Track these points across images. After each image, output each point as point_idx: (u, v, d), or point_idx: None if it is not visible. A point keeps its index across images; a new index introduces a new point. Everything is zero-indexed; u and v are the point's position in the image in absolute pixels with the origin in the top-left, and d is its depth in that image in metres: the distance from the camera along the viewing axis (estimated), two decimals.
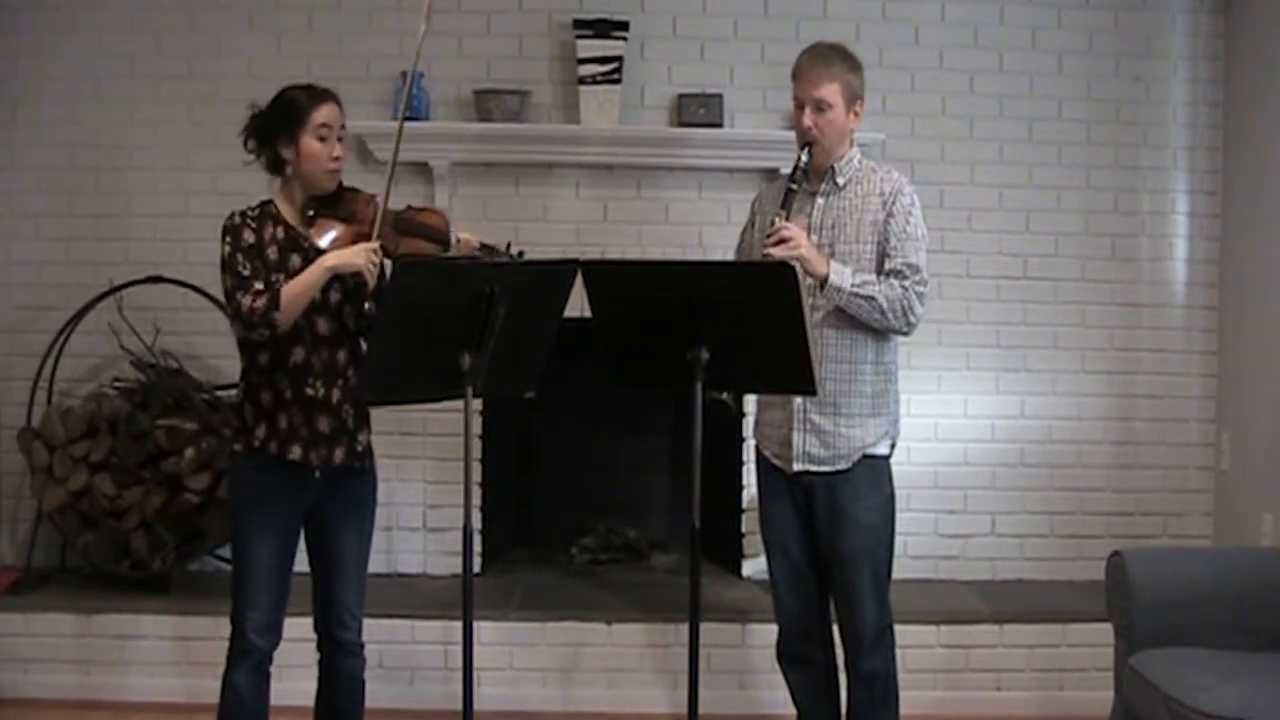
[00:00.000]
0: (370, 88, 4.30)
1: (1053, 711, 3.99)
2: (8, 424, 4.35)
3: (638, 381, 2.91)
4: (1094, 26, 4.46)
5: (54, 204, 4.44)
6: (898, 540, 3.18)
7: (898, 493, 3.15)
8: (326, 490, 2.94)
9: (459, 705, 2.80)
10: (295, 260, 2.87)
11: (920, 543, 4.40)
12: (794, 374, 2.66)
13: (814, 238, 3.04)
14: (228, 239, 2.84)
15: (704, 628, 2.82)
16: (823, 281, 2.94)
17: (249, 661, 2.90)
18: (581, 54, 4.26)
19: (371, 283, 2.83)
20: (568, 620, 4.01)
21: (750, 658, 3.93)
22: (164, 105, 4.41)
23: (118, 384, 4.24)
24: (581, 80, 4.27)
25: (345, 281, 2.89)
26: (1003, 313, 4.47)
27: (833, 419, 3.04)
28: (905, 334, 3.07)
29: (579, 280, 2.72)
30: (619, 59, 4.26)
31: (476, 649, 2.80)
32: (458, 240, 2.97)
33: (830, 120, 3.03)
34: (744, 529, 4.39)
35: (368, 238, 2.86)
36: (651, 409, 4.80)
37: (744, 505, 4.36)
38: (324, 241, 2.86)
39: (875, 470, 3.08)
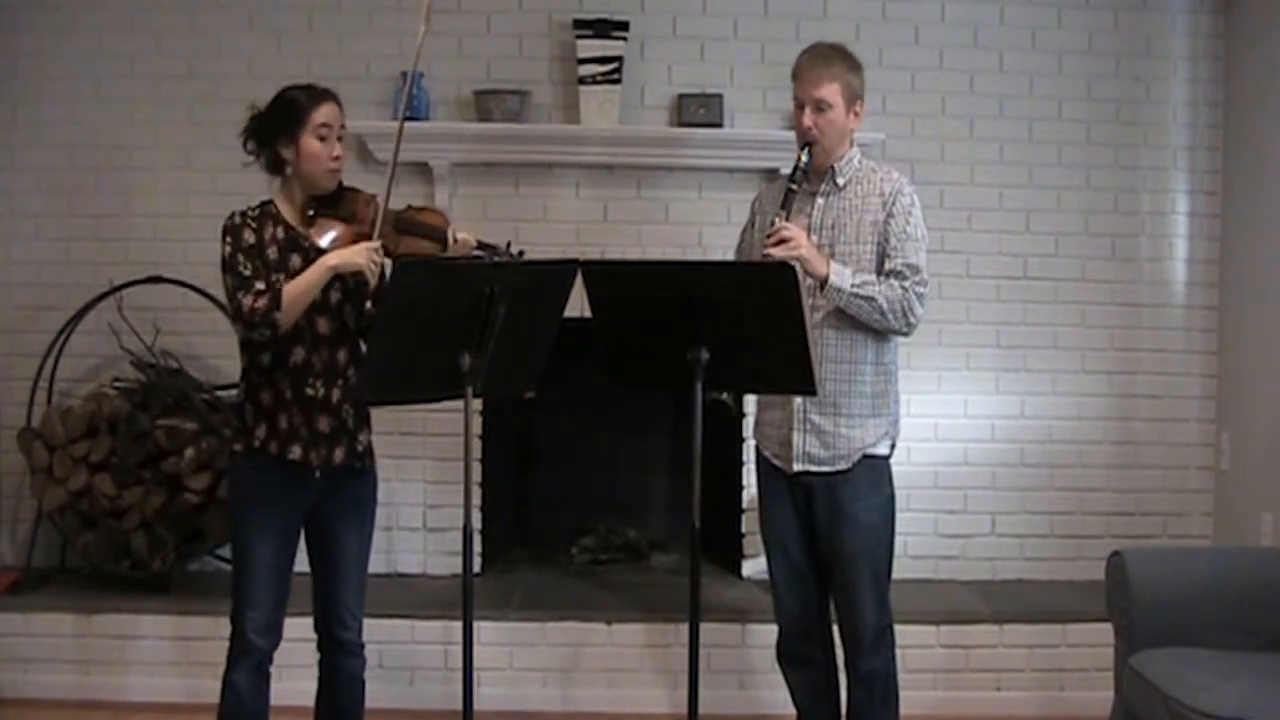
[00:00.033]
0: (370, 88, 4.30)
1: (1053, 711, 3.99)
2: (8, 424, 4.35)
3: (638, 381, 2.91)
4: (1094, 26, 4.46)
5: (54, 204, 4.44)
6: (898, 540, 3.18)
7: (898, 493, 3.15)
8: (327, 490, 2.94)
9: (459, 705, 2.80)
10: (295, 260, 2.87)
11: (920, 543, 4.40)
12: (794, 374, 2.66)
13: (814, 238, 3.04)
14: (228, 239, 2.85)
15: (704, 628, 2.82)
16: (823, 282, 2.94)
17: (249, 661, 2.90)
18: (581, 54, 4.26)
19: (373, 282, 2.83)
20: (568, 620, 4.01)
21: (750, 658, 3.93)
22: (164, 105, 4.41)
23: (118, 384, 4.24)
24: (581, 80, 4.27)
25: (345, 281, 2.89)
26: (1003, 313, 4.47)
27: (833, 419, 3.04)
28: (905, 334, 3.07)
29: (579, 280, 2.72)
30: (619, 59, 4.26)
31: (476, 649, 2.80)
32: (455, 240, 2.97)
33: (830, 120, 3.03)
34: (744, 529, 4.39)
35: (368, 237, 2.86)
36: (651, 409, 4.80)
37: (744, 505, 4.36)
38: (324, 241, 2.86)
39: (875, 470, 3.08)
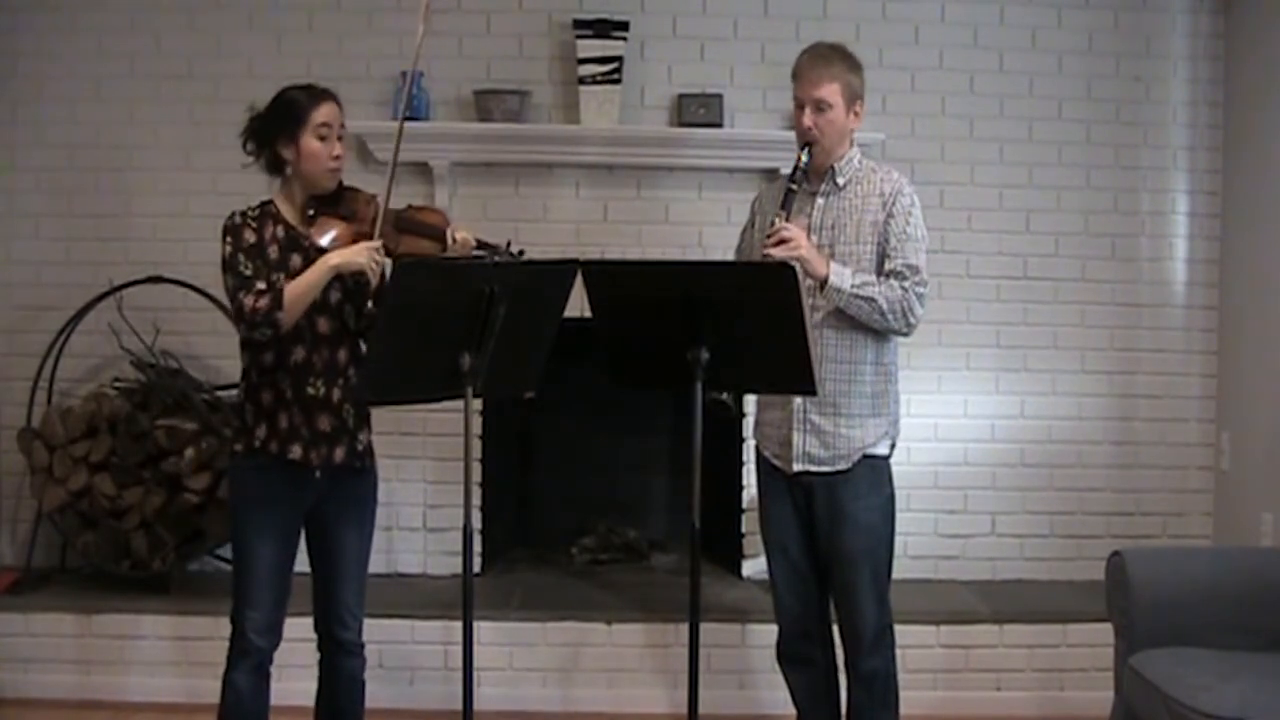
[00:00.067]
0: (370, 88, 4.30)
1: (1053, 711, 3.99)
2: (8, 424, 4.35)
3: (638, 381, 2.91)
4: (1094, 26, 4.46)
5: (54, 204, 4.44)
6: (898, 540, 3.18)
7: (898, 493, 3.15)
8: (327, 490, 2.94)
9: (459, 705, 2.80)
10: (296, 260, 2.87)
11: (920, 543, 4.40)
12: (794, 374, 2.66)
13: (814, 238, 3.04)
14: (228, 239, 2.85)
15: (704, 628, 2.82)
16: (823, 282, 2.94)
17: (249, 661, 2.90)
18: (581, 54, 4.26)
19: (374, 282, 2.83)
20: (568, 620, 4.01)
21: (750, 658, 3.93)
22: (164, 105, 4.41)
23: (118, 384, 4.23)
24: (581, 80, 4.27)
25: (345, 281, 2.89)
26: (1003, 313, 4.47)
27: (832, 419, 3.04)
28: (905, 335, 3.07)
29: (579, 280, 2.72)
30: (619, 59, 4.26)
31: (476, 649, 2.80)
32: (455, 239, 2.96)
33: (830, 120, 3.03)
34: (744, 529, 4.39)
35: (368, 236, 2.86)
36: (651, 409, 4.80)
37: (744, 505, 4.36)
38: (324, 240, 2.85)
39: (875, 470, 3.08)
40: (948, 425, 4.46)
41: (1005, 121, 4.45)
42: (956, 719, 3.94)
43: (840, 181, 3.09)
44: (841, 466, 3.05)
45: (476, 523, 4.16)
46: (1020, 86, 4.45)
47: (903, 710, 3.17)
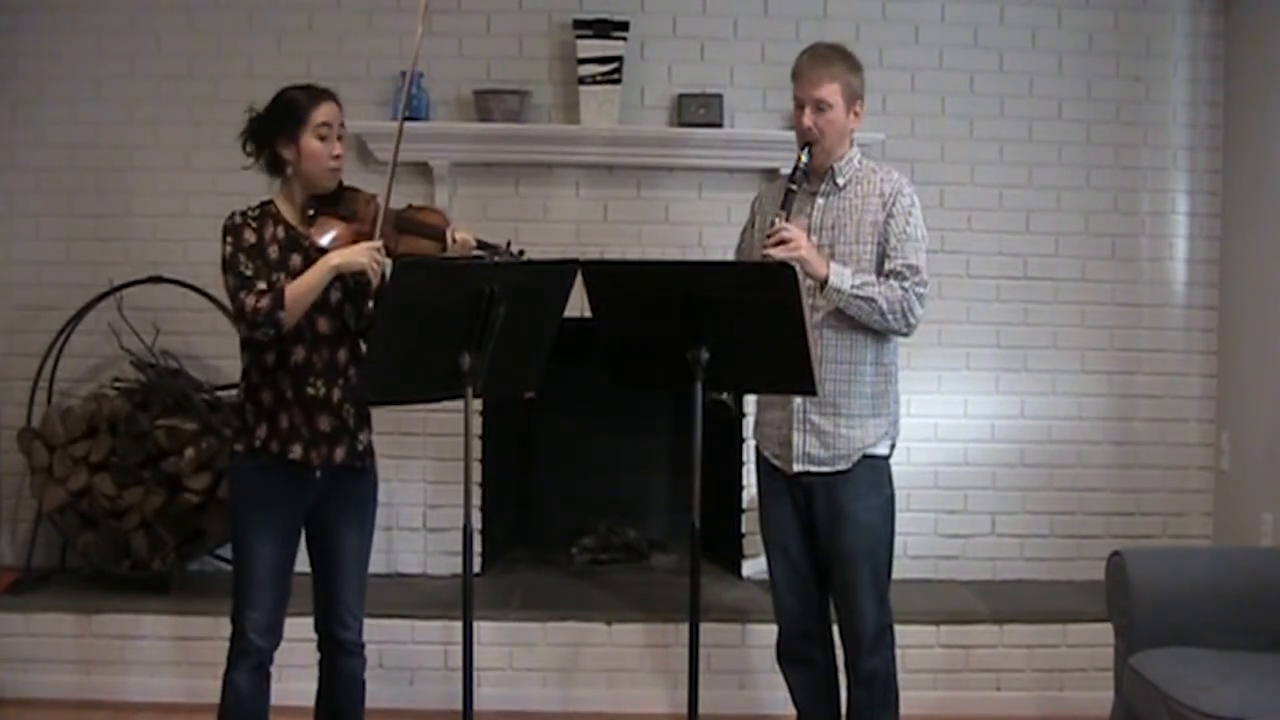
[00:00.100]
0: (370, 88, 4.30)
1: (1053, 711, 3.99)
2: (8, 424, 4.35)
3: (638, 381, 2.91)
4: (1094, 26, 4.46)
5: (54, 204, 4.44)
6: (898, 540, 3.18)
7: (898, 493, 3.15)
8: (327, 490, 2.94)
9: (459, 705, 2.80)
10: (296, 259, 2.87)
11: (920, 543, 4.40)
12: (794, 374, 2.65)
13: (814, 238, 3.04)
14: (229, 239, 2.85)
15: (704, 628, 2.82)
16: (823, 283, 2.94)
17: (249, 661, 2.90)
18: (581, 54, 4.26)
19: (375, 282, 2.83)
20: (568, 620, 4.01)
21: (750, 658, 3.93)
22: (164, 105, 4.41)
23: (118, 384, 4.23)
24: (581, 80, 4.27)
25: (346, 280, 2.89)
26: (1003, 313, 4.47)
27: (832, 419, 3.04)
28: (905, 335, 3.07)
29: (579, 280, 2.72)
30: (619, 59, 4.26)
31: (476, 649, 2.80)
32: (455, 239, 2.96)
33: (830, 120, 3.03)
34: (744, 529, 4.39)
35: (368, 236, 2.86)
36: (651, 409, 4.80)
37: (744, 505, 4.36)
38: (324, 240, 2.86)
39: (875, 470, 3.08)
40: (948, 425, 4.46)
41: (1005, 121, 4.45)
42: (956, 719, 3.94)
43: (840, 181, 3.09)
44: (841, 467, 3.05)
45: (476, 523, 4.16)
46: (1020, 86, 4.45)
47: (903, 710, 3.17)
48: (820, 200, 3.10)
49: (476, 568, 4.20)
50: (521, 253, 3.02)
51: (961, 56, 4.44)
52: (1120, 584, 3.20)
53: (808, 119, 3.03)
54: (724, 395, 2.89)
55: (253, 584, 2.88)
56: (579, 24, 4.27)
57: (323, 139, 2.86)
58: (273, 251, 2.86)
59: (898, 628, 3.16)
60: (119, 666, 3.98)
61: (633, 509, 4.87)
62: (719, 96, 4.33)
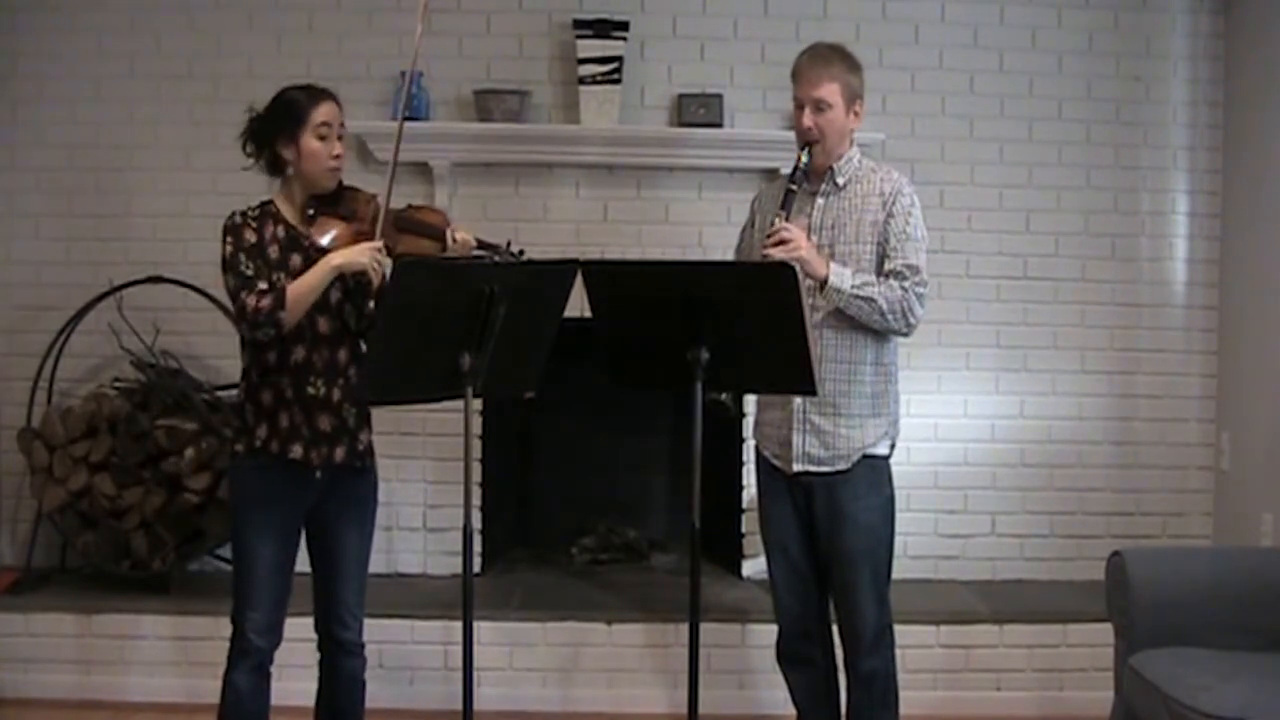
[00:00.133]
0: (370, 88, 4.30)
1: (1053, 711, 3.99)
2: (8, 424, 4.35)
3: (638, 381, 2.91)
4: (1094, 26, 4.46)
5: (54, 204, 4.44)
6: (898, 540, 3.18)
7: (898, 493, 3.15)
8: (327, 489, 2.94)
9: (459, 705, 2.80)
10: (296, 259, 2.87)
11: (920, 543, 4.40)
12: (794, 374, 2.65)
13: (814, 238, 3.04)
14: (229, 239, 2.85)
15: (704, 628, 2.82)
16: (822, 283, 2.94)
17: (249, 661, 2.90)
18: (581, 54, 4.26)
19: (376, 281, 2.83)
20: (568, 620, 4.01)
21: (750, 658, 3.93)
22: (164, 105, 4.41)
23: (118, 384, 4.24)
24: (581, 80, 4.27)
25: (346, 280, 2.89)
26: (1003, 313, 4.47)
27: (832, 419, 3.04)
28: (905, 335, 3.07)
29: (579, 280, 2.72)
30: (619, 59, 4.26)
31: (476, 649, 2.80)
32: (455, 239, 2.96)
33: (830, 120, 3.03)
34: (744, 529, 4.39)
35: (368, 236, 2.86)
36: (651, 409, 4.80)
37: (744, 505, 4.36)
38: (325, 240, 2.86)
39: (875, 470, 3.08)
40: (948, 425, 4.46)
41: (1005, 121, 4.45)
42: (956, 719, 3.94)
43: (840, 181, 3.09)
44: (841, 467, 3.05)
45: (476, 523, 4.16)
46: (1020, 86, 4.45)
47: (903, 710, 3.17)
48: (820, 200, 3.10)
49: (476, 568, 4.20)
50: (521, 253, 3.02)
51: (961, 56, 4.44)
52: (1120, 584, 3.20)
53: (807, 119, 3.03)
54: (724, 395, 2.89)
55: (253, 584, 2.88)
56: (579, 24, 4.27)
57: (323, 139, 2.86)
58: (273, 251, 2.86)
59: (898, 628, 3.16)
60: (119, 666, 3.98)
61: (633, 509, 4.87)
62: (719, 96, 4.33)
